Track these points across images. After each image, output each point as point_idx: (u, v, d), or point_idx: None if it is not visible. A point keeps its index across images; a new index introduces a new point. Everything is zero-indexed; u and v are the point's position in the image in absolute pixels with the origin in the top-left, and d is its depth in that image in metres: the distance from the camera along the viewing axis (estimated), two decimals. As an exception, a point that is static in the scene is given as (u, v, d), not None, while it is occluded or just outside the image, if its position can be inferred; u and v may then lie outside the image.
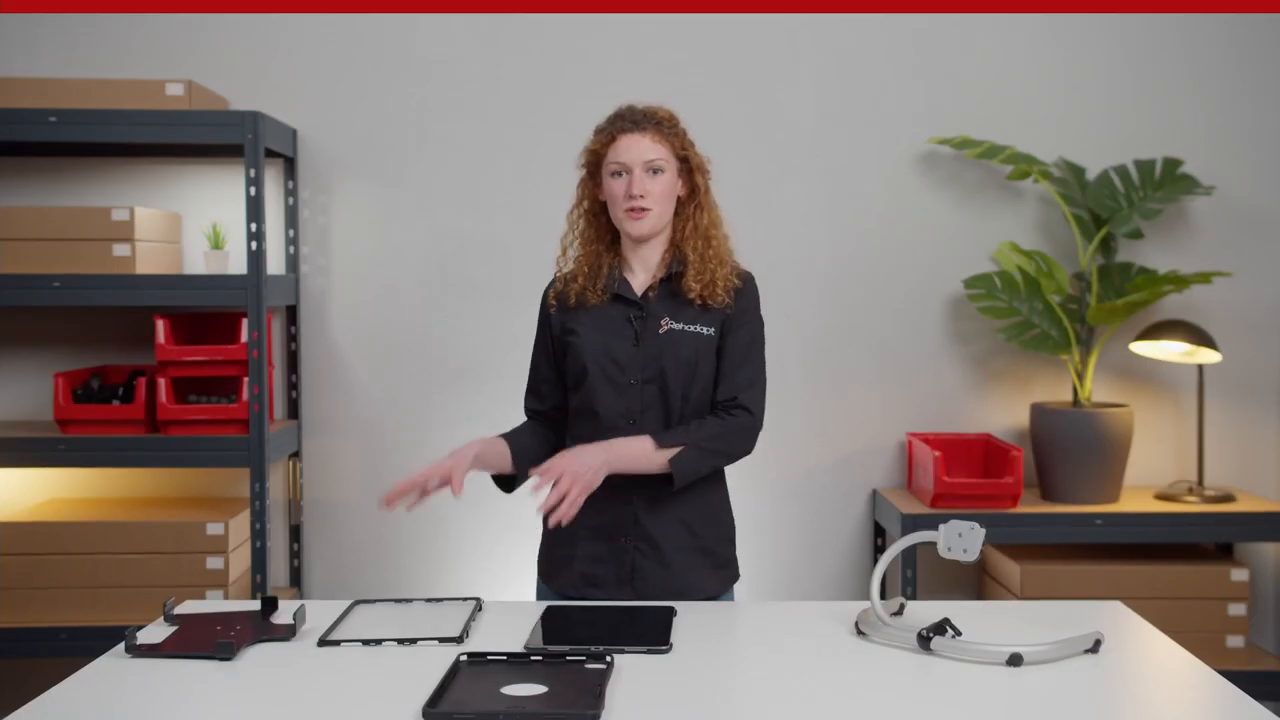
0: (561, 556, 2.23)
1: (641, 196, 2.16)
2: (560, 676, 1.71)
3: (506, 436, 2.26)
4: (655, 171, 2.18)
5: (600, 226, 2.26)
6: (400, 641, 1.90)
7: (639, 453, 2.13)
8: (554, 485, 2.03)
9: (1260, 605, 3.60)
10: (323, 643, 1.89)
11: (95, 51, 3.48)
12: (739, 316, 2.21)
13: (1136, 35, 3.57)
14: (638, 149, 2.17)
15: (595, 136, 2.23)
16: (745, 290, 2.23)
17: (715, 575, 2.25)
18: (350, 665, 1.81)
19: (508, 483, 2.26)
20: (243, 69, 3.50)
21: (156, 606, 3.01)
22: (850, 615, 2.02)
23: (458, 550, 3.55)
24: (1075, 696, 1.67)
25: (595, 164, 2.23)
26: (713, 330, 2.19)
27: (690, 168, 2.23)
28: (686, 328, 2.18)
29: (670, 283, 2.22)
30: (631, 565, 2.20)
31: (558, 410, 2.31)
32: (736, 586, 2.32)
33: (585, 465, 2.06)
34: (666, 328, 2.19)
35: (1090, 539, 3.26)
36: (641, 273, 2.24)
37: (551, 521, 2.03)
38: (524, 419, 2.36)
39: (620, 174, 2.18)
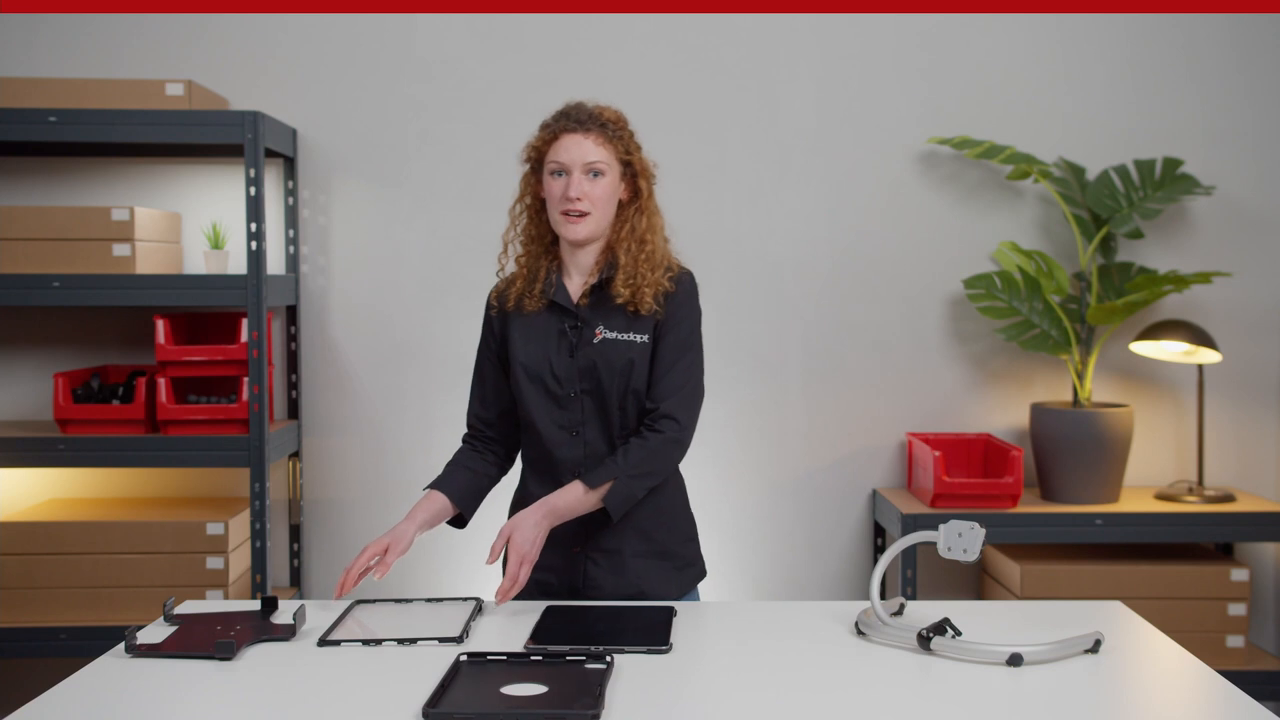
0: None
1: (579, 199, 2.11)
2: (560, 676, 1.71)
3: (442, 487, 2.23)
4: (596, 174, 2.13)
5: (542, 224, 2.22)
6: (400, 641, 1.90)
7: (573, 500, 2.12)
8: (505, 563, 2.08)
9: (1260, 605, 3.60)
10: (323, 643, 1.89)
11: (95, 51, 3.48)
12: (669, 319, 2.16)
13: (1136, 35, 3.56)
14: (579, 150, 2.12)
15: (540, 132, 2.18)
16: (678, 291, 2.17)
17: (677, 577, 2.25)
18: (350, 665, 1.81)
19: (459, 520, 2.27)
20: (243, 69, 3.50)
21: (156, 606, 3.02)
22: (850, 615, 2.03)
23: (458, 550, 3.54)
24: (1075, 696, 1.67)
25: (538, 160, 2.18)
26: (646, 336, 2.16)
27: (634, 172, 2.18)
28: (620, 336, 2.15)
29: (603, 288, 2.18)
30: (584, 573, 2.21)
31: (504, 418, 2.28)
32: (705, 584, 2.31)
33: (526, 538, 2.08)
34: (600, 336, 2.15)
35: (1090, 539, 3.26)
36: (578, 277, 2.20)
37: (502, 601, 2.07)
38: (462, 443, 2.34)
39: (560, 174, 2.13)
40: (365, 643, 1.89)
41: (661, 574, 2.23)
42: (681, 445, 2.17)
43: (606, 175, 2.14)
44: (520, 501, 2.26)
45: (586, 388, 2.16)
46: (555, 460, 2.18)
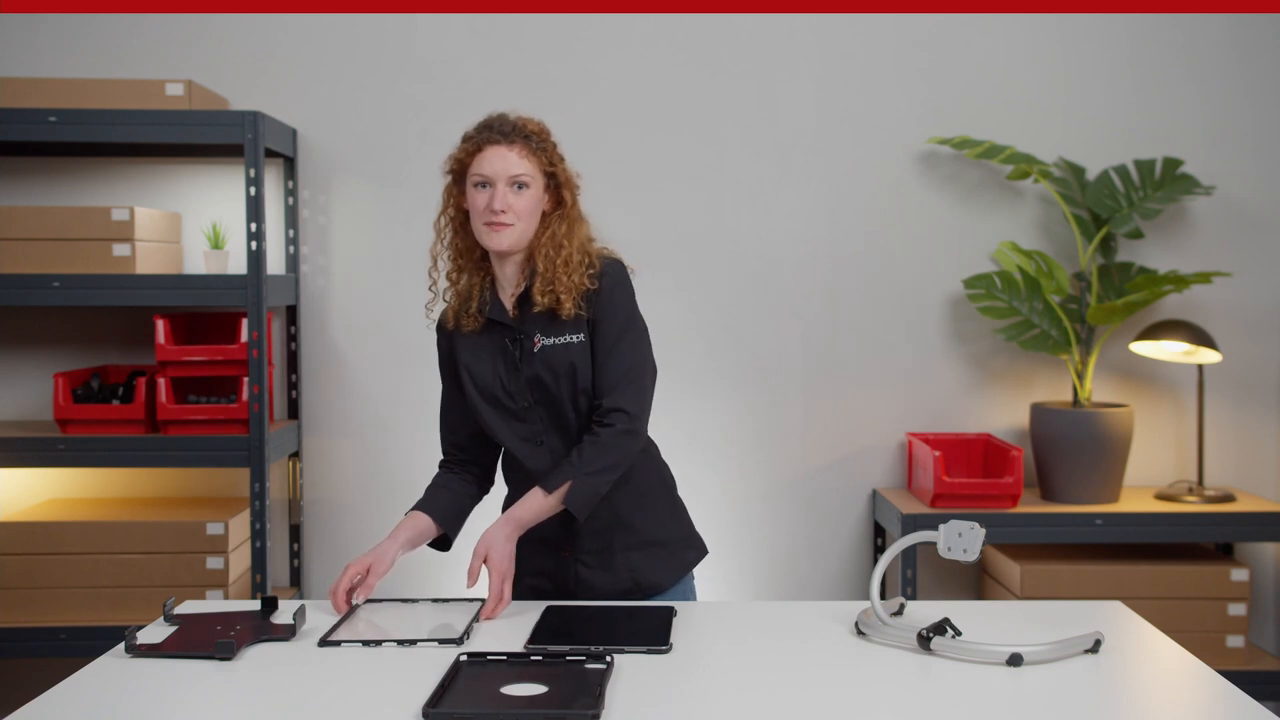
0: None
1: (503, 212, 2.09)
2: (560, 676, 1.71)
3: (426, 509, 2.23)
4: (520, 187, 2.10)
5: (468, 236, 2.20)
6: (400, 642, 1.90)
7: (535, 507, 2.12)
8: (489, 581, 2.09)
9: (1260, 605, 3.60)
10: (323, 643, 1.89)
11: (95, 51, 3.48)
12: (599, 313, 2.14)
13: (1136, 35, 3.56)
14: (503, 163, 2.10)
15: (462, 144, 2.15)
16: (601, 286, 2.14)
17: (671, 562, 2.25)
18: (350, 665, 1.81)
19: (442, 541, 2.27)
20: (243, 69, 3.50)
21: (156, 606, 3.02)
22: (850, 615, 2.03)
23: (459, 550, 3.53)
24: (1075, 696, 1.67)
25: (460, 172, 2.16)
26: (582, 335, 2.14)
27: (558, 183, 2.16)
28: (557, 340, 2.14)
29: (528, 296, 2.16)
30: (574, 575, 2.21)
31: (475, 440, 2.27)
32: (704, 582, 2.30)
33: (500, 553, 2.09)
34: (539, 345, 2.14)
35: (1090, 539, 3.26)
36: (509, 289, 2.18)
37: (489, 617, 2.06)
38: (440, 463, 2.34)
39: (484, 185, 2.11)
40: (365, 643, 1.89)
41: (653, 562, 2.23)
42: (635, 435, 2.15)
43: (531, 187, 2.12)
44: (507, 508, 2.26)
45: (538, 398, 2.16)
46: (529, 470, 2.19)
